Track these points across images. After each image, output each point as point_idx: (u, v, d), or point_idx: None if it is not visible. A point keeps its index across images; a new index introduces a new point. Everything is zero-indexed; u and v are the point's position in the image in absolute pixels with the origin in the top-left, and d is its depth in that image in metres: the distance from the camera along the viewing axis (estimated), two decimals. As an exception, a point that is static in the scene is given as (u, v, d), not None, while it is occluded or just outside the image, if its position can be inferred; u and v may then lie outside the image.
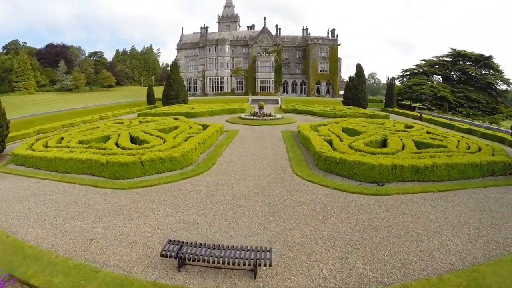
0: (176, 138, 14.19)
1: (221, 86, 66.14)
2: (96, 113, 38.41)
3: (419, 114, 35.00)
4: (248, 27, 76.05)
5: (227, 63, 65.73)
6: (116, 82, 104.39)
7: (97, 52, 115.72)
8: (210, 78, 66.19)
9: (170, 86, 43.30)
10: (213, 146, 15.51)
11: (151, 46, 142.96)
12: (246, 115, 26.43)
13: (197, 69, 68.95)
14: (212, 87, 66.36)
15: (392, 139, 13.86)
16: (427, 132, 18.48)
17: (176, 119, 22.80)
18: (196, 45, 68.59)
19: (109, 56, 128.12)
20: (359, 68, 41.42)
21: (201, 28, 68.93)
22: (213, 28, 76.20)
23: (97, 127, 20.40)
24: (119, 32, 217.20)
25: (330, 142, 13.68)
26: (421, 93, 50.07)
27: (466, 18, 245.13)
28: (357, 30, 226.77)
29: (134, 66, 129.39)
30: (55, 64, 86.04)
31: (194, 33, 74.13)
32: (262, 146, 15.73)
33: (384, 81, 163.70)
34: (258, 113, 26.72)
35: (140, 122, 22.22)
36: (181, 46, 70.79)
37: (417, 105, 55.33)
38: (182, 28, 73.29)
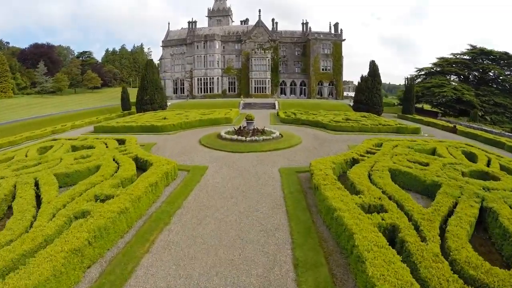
0: (48, 225, 6.18)
1: (210, 88, 58.47)
2: (57, 123, 31.80)
3: (452, 125, 27.72)
4: (241, 21, 68.54)
5: (218, 61, 58.03)
6: (103, 83, 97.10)
7: (86, 52, 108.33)
8: (198, 79, 58.53)
9: (144, 89, 35.88)
10: (133, 232, 7.02)
11: (141, 45, 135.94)
12: (227, 134, 18.58)
13: (184, 68, 61.16)
14: (201, 88, 58.67)
15: (506, 216, 6.48)
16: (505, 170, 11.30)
17: (121, 142, 15.41)
18: (183, 41, 60.80)
19: (101, 56, 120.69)
20: (373, 66, 33.95)
21: (189, 22, 60.90)
22: (204, 23, 68.76)
23: (13, 157, 13.32)
24: (114, 32, 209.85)
25: (392, 233, 5.99)
26: (443, 96, 42.72)
27: (466, 16, 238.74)
28: (351, 28, 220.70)
29: (123, 66, 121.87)
30: (40, 65, 78.76)
31: (182, 28, 66.36)
32: (237, 236, 6.88)
33: (384, 80, 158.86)
34: (246, 129, 19.22)
35: (73, 148, 14.99)
36: (166, 43, 62.99)
37: (436, 110, 48.22)
38: (169, 24, 66.71)
